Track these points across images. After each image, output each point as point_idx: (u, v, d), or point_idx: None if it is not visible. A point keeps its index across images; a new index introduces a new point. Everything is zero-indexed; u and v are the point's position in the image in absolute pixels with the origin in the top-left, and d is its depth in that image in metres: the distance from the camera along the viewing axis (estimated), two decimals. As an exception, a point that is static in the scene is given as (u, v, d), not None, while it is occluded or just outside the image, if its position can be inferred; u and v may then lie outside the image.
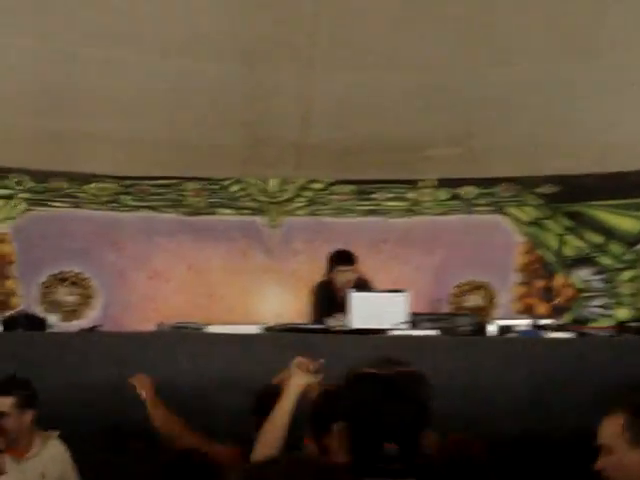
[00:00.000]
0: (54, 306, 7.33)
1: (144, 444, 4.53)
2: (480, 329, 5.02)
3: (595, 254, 7.49)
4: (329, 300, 6.06)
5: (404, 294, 5.19)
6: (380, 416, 2.00)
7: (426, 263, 7.49)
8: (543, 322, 5.07)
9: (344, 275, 6.09)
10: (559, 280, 7.55)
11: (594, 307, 7.48)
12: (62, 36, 6.62)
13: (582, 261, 7.51)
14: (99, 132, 7.27)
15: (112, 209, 7.57)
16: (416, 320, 5.16)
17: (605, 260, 7.47)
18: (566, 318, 7.24)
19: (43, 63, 6.71)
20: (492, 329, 4.96)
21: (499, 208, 7.55)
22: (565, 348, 4.79)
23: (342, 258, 6.17)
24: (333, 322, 5.64)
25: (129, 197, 7.58)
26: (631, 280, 7.45)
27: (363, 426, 2.01)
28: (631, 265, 7.46)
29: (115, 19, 6.61)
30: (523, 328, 4.96)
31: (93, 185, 7.54)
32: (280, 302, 7.42)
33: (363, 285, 6.05)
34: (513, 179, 7.52)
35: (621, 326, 5.13)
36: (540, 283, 7.57)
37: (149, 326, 6.03)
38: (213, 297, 7.49)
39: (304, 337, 5.33)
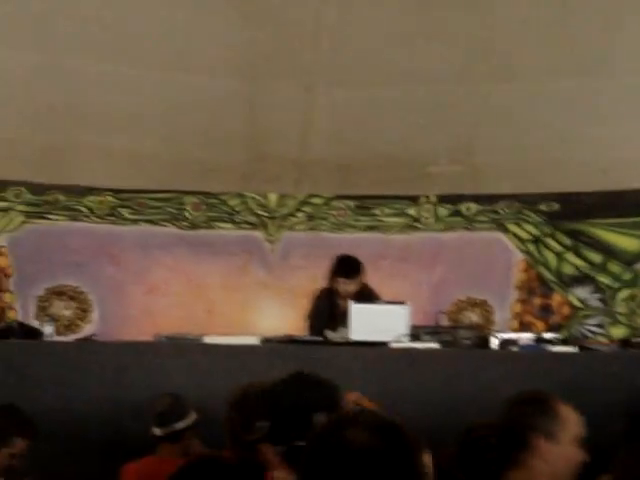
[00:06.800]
0: (50, 320, 7.24)
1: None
2: (482, 342, 4.98)
3: (594, 273, 7.45)
4: (330, 309, 5.98)
5: (405, 306, 5.15)
6: None
7: (425, 279, 7.44)
8: (546, 336, 5.04)
9: (344, 286, 5.99)
10: (557, 298, 7.51)
11: (590, 325, 7.45)
12: (62, 53, 6.62)
13: (580, 279, 7.48)
14: (97, 145, 7.25)
15: (110, 222, 7.51)
16: (417, 333, 5.12)
17: (603, 279, 7.44)
18: (562, 336, 7.20)
19: (43, 78, 6.71)
20: (494, 342, 4.92)
21: (499, 225, 7.50)
22: (568, 362, 4.75)
23: (342, 270, 6.02)
24: (333, 334, 5.59)
25: (127, 210, 7.52)
26: (628, 299, 7.42)
27: None
28: (629, 284, 7.42)
29: (116, 36, 6.62)
30: (525, 342, 4.93)
31: (91, 198, 7.49)
32: (279, 318, 7.35)
33: (367, 295, 5.92)
34: (514, 196, 7.48)
35: (624, 341, 5.09)
36: (538, 301, 7.53)
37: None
38: (211, 312, 7.42)
39: (303, 349, 5.28)
